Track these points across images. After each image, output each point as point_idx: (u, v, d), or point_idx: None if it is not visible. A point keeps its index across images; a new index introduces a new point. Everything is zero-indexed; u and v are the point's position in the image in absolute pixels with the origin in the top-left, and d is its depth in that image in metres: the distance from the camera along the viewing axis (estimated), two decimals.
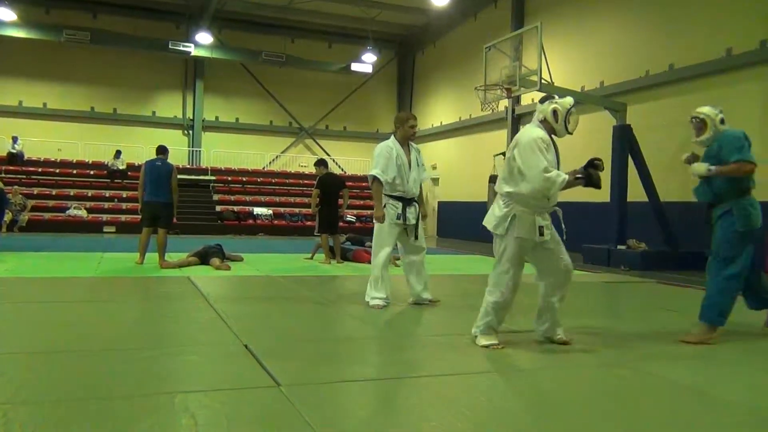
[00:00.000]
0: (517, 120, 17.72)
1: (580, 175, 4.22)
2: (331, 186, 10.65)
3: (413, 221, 5.93)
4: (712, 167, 4.75)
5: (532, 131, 4.25)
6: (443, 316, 5.71)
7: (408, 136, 6.00)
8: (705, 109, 4.94)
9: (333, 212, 10.57)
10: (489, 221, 4.34)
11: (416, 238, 6.01)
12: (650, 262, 10.93)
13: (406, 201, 5.92)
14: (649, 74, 13.23)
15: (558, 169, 4.18)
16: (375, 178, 5.86)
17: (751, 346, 4.77)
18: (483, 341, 4.30)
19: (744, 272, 4.78)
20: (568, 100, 4.33)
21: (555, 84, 12.30)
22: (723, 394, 3.44)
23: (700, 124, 4.92)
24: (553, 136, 4.34)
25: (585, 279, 9.29)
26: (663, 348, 4.57)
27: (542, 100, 4.40)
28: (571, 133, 4.36)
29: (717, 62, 11.67)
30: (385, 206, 5.87)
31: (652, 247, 11.60)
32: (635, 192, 11.92)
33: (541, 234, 4.22)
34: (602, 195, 12.70)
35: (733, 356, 4.43)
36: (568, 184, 4.15)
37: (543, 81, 11.65)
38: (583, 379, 3.76)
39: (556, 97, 4.40)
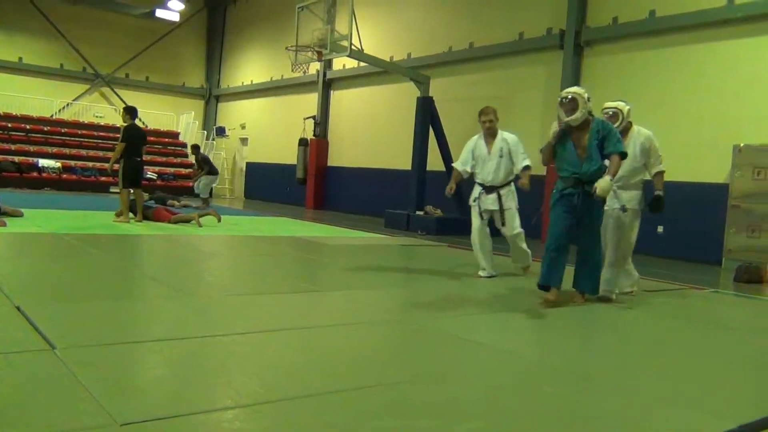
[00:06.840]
0: (328, 84, 17.79)
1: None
2: (137, 138, 9.98)
3: (490, 207, 6.48)
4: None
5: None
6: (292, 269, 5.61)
7: (484, 130, 6.53)
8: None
9: (138, 166, 9.97)
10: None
11: (503, 224, 6.54)
12: (444, 227, 11.70)
13: (487, 189, 6.50)
14: (451, 50, 13.96)
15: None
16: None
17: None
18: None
19: None
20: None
21: (365, 51, 12.53)
22: (497, 344, 3.81)
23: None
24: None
25: (384, 242, 9.71)
26: (448, 305, 4.94)
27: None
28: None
29: (511, 44, 12.64)
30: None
31: (447, 213, 12.41)
32: (434, 161, 12.62)
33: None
34: (404, 163, 13.39)
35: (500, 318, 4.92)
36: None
37: (353, 47, 11.82)
38: (375, 334, 3.95)
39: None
